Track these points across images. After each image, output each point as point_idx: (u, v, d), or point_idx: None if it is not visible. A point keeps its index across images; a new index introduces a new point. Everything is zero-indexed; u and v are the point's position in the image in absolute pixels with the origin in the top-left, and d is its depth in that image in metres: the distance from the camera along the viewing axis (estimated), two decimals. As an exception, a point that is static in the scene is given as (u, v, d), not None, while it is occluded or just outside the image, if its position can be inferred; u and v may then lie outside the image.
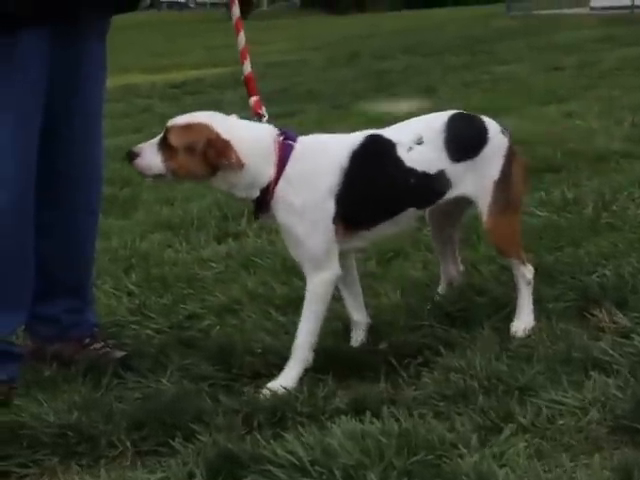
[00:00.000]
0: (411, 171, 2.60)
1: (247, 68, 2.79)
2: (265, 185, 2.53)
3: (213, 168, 2.48)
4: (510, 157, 2.71)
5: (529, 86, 8.31)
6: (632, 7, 16.84)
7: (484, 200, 2.69)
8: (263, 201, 2.55)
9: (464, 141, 2.67)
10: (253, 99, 2.71)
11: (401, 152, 2.60)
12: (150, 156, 2.51)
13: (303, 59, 12.52)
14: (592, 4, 18.19)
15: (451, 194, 2.68)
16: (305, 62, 12.34)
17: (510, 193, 2.71)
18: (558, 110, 6.72)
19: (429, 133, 2.63)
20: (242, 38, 2.81)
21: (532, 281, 2.80)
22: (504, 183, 2.69)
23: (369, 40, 15.55)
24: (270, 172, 2.52)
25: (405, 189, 2.62)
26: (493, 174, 2.68)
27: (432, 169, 2.62)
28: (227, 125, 2.52)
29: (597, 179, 4.39)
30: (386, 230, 2.71)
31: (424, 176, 2.61)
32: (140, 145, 2.54)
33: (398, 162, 2.59)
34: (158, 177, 2.55)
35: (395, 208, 2.65)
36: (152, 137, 2.55)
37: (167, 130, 2.51)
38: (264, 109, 2.69)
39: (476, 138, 2.69)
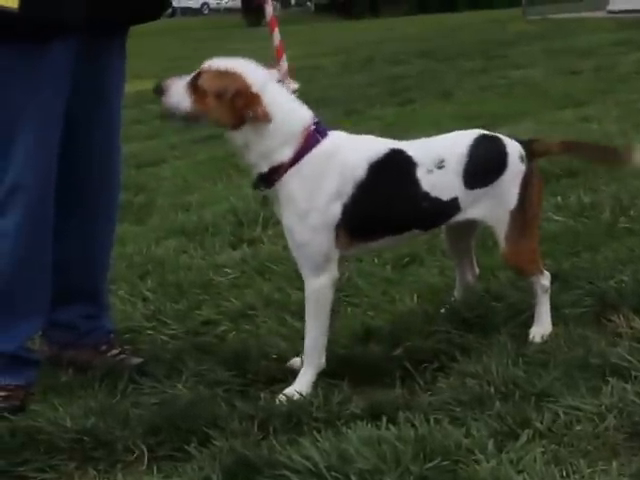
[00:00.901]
0: (425, 195, 2.56)
1: (284, 65, 2.81)
2: (276, 165, 2.47)
3: (240, 118, 2.43)
4: (527, 181, 2.66)
5: (546, 90, 8.27)
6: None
7: (501, 228, 2.66)
8: (268, 178, 2.50)
9: (483, 169, 2.62)
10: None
11: (420, 174, 2.56)
12: (179, 95, 2.45)
13: (317, 64, 12.49)
14: (610, 7, 18.09)
15: (459, 217, 2.64)
16: (319, 67, 12.32)
17: (527, 217, 2.67)
18: (575, 114, 6.69)
19: (451, 157, 2.58)
20: (277, 35, 2.83)
21: (549, 287, 2.78)
22: (521, 210, 2.65)
23: (383, 45, 15.51)
24: (286, 154, 2.46)
25: (415, 211, 2.58)
26: (510, 203, 2.64)
27: (446, 196, 2.58)
28: (261, 82, 2.44)
29: (614, 184, 4.36)
30: (388, 244, 2.73)
31: (436, 201, 2.57)
32: (169, 81, 2.46)
33: (415, 184, 2.55)
34: (183, 118, 2.48)
35: (401, 227, 2.63)
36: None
37: (200, 72, 2.46)
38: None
39: (495, 165, 2.64)
